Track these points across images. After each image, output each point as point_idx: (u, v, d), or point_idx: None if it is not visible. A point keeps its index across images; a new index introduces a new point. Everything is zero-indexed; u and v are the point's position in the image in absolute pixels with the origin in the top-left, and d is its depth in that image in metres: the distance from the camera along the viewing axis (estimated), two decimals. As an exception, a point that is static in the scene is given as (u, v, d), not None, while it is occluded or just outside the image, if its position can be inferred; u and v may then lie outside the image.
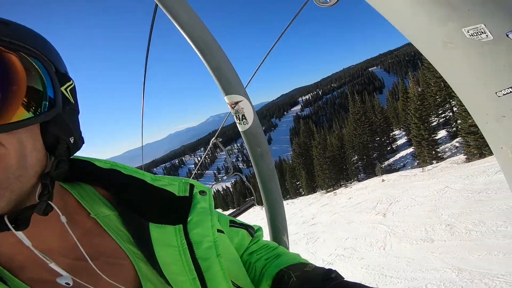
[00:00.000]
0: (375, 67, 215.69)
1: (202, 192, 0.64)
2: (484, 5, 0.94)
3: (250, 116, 1.46)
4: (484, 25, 0.97)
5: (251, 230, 0.87)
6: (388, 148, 39.49)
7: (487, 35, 0.93)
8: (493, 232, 11.06)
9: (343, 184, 37.85)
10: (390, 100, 56.28)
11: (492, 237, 10.81)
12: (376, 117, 41.06)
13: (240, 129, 1.51)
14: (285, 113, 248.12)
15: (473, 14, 0.98)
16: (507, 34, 0.90)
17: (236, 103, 1.41)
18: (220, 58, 1.35)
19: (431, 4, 0.97)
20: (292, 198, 45.74)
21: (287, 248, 1.59)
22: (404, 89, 34.80)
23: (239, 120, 1.46)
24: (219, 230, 0.63)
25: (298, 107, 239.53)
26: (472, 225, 12.36)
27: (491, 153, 20.79)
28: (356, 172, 38.98)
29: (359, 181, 35.65)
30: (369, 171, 36.36)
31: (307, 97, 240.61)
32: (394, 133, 42.70)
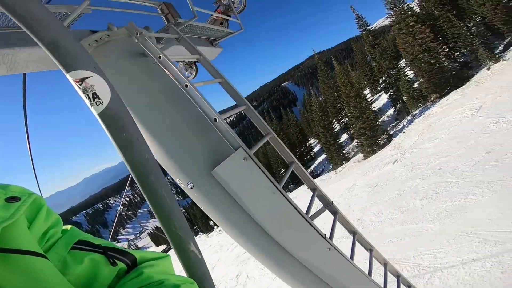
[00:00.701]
0: (287, 82, 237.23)
1: (11, 199, 0.50)
2: (176, 167, 1.70)
3: (106, 94, 1.21)
4: (179, 180, 1.69)
5: (122, 258, 0.62)
6: (308, 157, 43.69)
7: (183, 185, 1.70)
8: (389, 220, 13.33)
9: (277, 198, 39.77)
10: (302, 111, 62.79)
11: (389, 225, 12.99)
12: (292, 130, 45.29)
13: (94, 112, 1.24)
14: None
15: (180, 172, 1.81)
16: (188, 184, 1.70)
17: (82, 80, 1.18)
18: (54, 30, 1.14)
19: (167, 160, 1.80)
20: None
21: (198, 258, 1.22)
22: (310, 102, 39.67)
23: (90, 101, 1.20)
24: (24, 251, 0.47)
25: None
26: (374, 217, 14.63)
27: (379, 149, 25.37)
28: (286, 183, 41.54)
29: (290, 192, 38.07)
30: (297, 181, 39.21)
31: (230, 119, 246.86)
32: (310, 142, 47.62)
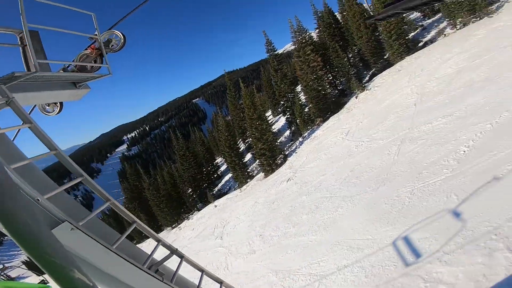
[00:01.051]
0: (198, 99, 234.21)
1: None
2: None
3: None
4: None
5: None
6: (215, 175, 44.01)
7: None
8: (284, 234, 14.81)
9: (185, 217, 38.19)
10: (210, 130, 63.32)
11: (284, 238, 14.41)
12: (200, 149, 45.02)
13: None
14: (108, 155, 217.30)
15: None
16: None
17: None
18: None
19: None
20: (141, 242, 40.72)
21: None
22: (217, 122, 40.60)
23: None
24: None
25: (124, 147, 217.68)
26: (273, 231, 15.98)
27: (277, 168, 28.13)
28: (194, 203, 40.38)
29: (198, 211, 37.23)
30: (205, 199, 38.77)
31: (132, 134, 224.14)
32: (217, 161, 48.27)
